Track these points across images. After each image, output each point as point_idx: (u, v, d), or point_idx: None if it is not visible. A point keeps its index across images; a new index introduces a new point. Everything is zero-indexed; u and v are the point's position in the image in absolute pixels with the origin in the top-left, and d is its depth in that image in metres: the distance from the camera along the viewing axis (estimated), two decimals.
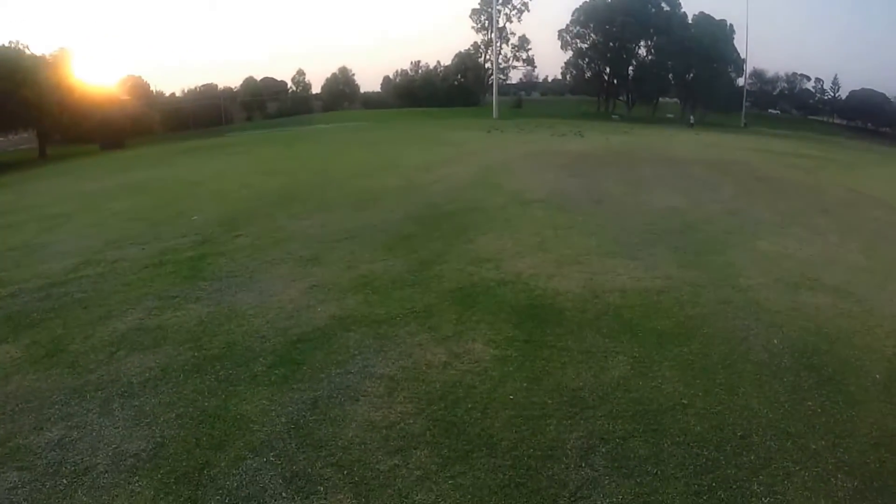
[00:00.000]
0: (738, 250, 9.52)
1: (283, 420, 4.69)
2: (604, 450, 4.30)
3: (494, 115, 53.54)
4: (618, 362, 5.64)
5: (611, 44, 67.42)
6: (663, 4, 67.95)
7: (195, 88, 73.07)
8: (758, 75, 77.74)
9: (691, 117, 57.28)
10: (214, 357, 5.83)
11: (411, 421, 4.64)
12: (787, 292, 7.64)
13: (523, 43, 73.33)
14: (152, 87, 65.81)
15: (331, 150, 26.59)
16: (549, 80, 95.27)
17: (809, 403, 4.97)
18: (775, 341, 6.16)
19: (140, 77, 65.28)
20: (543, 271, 8.34)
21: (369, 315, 6.79)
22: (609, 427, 4.56)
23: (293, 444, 4.37)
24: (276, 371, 5.49)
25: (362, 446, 4.34)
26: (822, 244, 10.18)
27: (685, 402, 4.96)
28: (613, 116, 62.07)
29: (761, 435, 4.49)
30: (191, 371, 5.55)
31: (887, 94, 78.08)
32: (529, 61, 74.93)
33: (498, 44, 68.35)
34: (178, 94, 73.39)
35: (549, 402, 4.90)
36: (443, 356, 5.71)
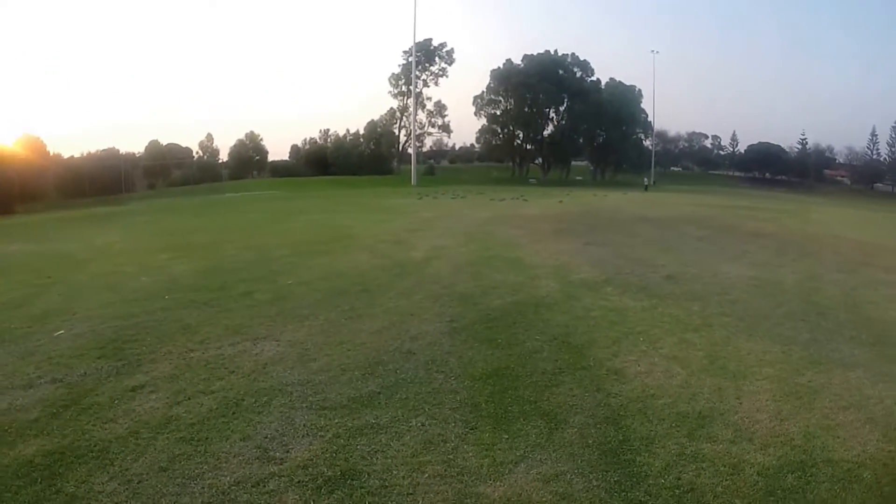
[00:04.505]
0: None
1: None
2: None
3: (413, 183, 50.84)
4: None
5: (525, 109, 66.36)
6: (576, 70, 68.16)
7: (95, 152, 64.73)
8: (661, 135, 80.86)
9: (645, 179, 56.91)
10: None
11: None
12: None
13: (440, 109, 70.70)
14: (49, 149, 57.08)
15: (256, 219, 20.64)
16: (457, 147, 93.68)
17: None
18: None
19: (38, 138, 56.44)
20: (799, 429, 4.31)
21: None
22: None
23: None
24: None
25: None
26: None
27: None
28: (531, 181, 60.17)
29: None
30: None
31: (782, 146, 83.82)
32: (445, 127, 72.15)
33: (416, 110, 65.63)
34: (77, 156, 64.74)
35: None
36: None
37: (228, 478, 3.65)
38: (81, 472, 3.70)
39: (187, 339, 6.26)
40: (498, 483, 3.62)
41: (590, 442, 4.11)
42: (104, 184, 50.02)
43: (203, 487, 3.56)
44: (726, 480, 3.67)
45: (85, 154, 65.47)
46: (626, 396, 4.85)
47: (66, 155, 62.98)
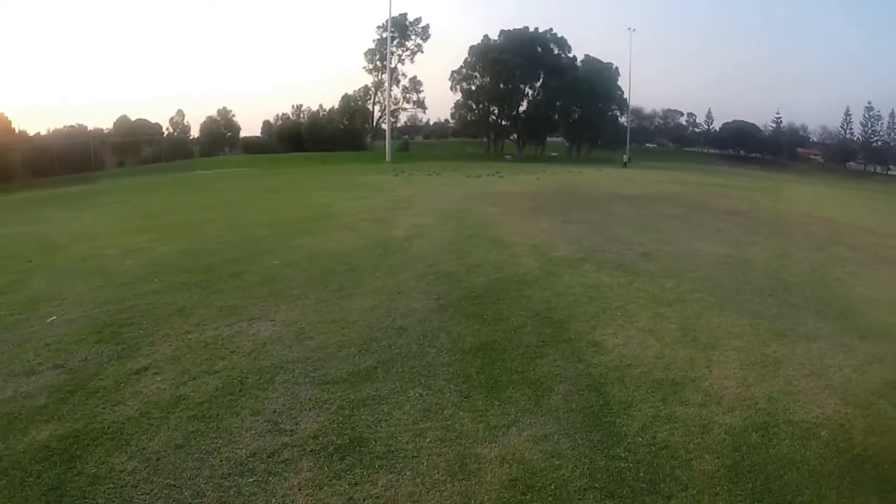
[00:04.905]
0: None
1: None
2: None
3: (388, 159, 50.52)
4: None
5: (501, 85, 66.20)
6: (552, 46, 68.05)
7: (63, 128, 62.57)
8: (636, 112, 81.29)
9: (624, 156, 57.06)
10: None
11: None
12: None
13: (415, 84, 70.01)
14: (15, 126, 55.14)
15: (233, 198, 20.46)
16: (432, 123, 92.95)
17: None
18: None
19: (1, 114, 54.44)
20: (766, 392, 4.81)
21: None
22: None
23: None
24: None
25: None
26: None
27: None
28: (506, 157, 60.21)
29: None
30: None
31: (757, 124, 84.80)
32: (419, 103, 71.50)
33: (390, 85, 65.08)
34: (44, 133, 62.55)
35: None
36: None
37: (244, 450, 3.93)
38: (100, 453, 3.90)
39: (183, 321, 6.42)
40: (493, 445, 3.99)
41: (574, 407, 4.49)
42: (73, 162, 48.43)
43: (221, 460, 3.84)
44: (697, 438, 4.08)
45: (52, 131, 63.50)
46: (605, 366, 5.24)
47: (31, 132, 60.90)
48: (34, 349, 5.66)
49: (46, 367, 5.25)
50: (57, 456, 3.88)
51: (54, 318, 6.59)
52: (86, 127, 64.00)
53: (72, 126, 63.69)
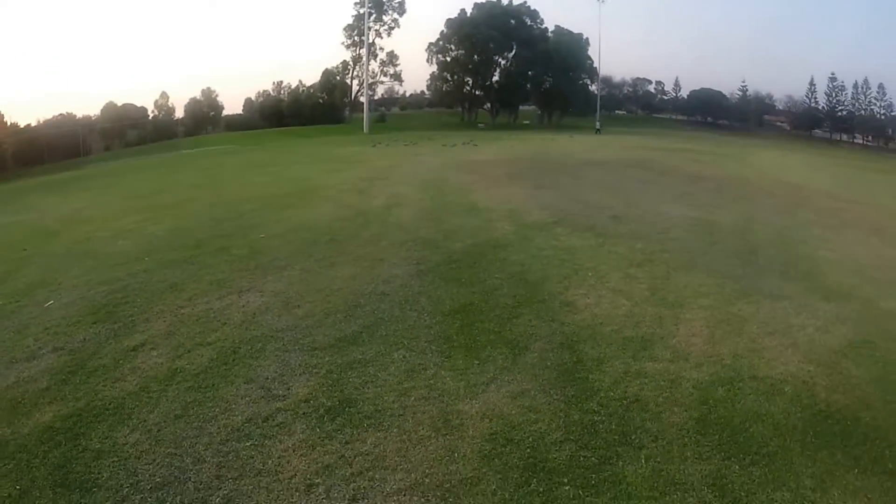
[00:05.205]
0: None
1: None
2: None
3: (365, 131, 50.12)
4: None
5: (475, 56, 65.95)
6: (525, 18, 67.68)
7: (52, 118, 61.06)
8: (606, 81, 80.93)
9: (598, 123, 56.93)
10: None
11: None
12: None
13: (392, 58, 69.45)
14: (7, 119, 53.52)
15: (215, 176, 20.05)
16: (408, 94, 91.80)
17: None
18: None
19: None
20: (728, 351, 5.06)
21: None
22: None
23: None
24: None
25: None
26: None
27: None
28: (480, 125, 60.01)
29: None
30: None
31: (724, 92, 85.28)
32: (396, 76, 71.02)
33: (368, 59, 64.34)
34: (33, 124, 60.88)
35: None
36: None
37: (240, 417, 4.09)
38: (102, 429, 4.02)
39: (175, 296, 6.49)
40: (474, 401, 4.19)
41: (548, 364, 4.71)
42: (62, 150, 48.33)
43: (219, 427, 3.99)
44: (665, 392, 4.32)
45: (42, 121, 61.94)
46: (577, 325, 5.47)
47: (22, 123, 59.14)
48: (34, 334, 5.68)
49: (47, 350, 5.30)
50: (61, 435, 3.97)
51: (52, 302, 6.59)
52: (74, 115, 62.47)
53: (61, 114, 61.97)
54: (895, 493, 3.33)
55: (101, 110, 65.62)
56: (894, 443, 3.77)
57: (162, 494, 3.39)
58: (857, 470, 3.54)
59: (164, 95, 71.05)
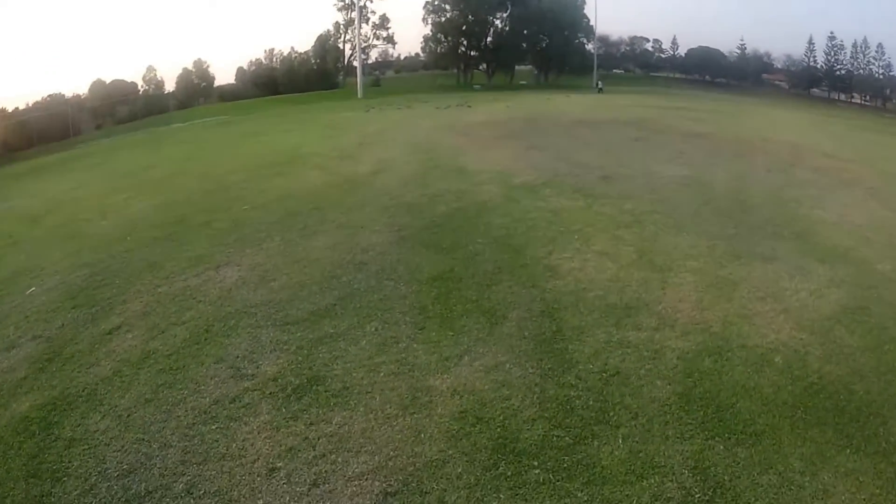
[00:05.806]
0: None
1: None
2: None
3: (359, 95, 48.91)
4: None
5: (469, 16, 64.34)
6: None
7: (41, 100, 59.97)
8: (603, 39, 79.01)
9: (599, 83, 55.59)
10: None
11: None
12: None
13: (384, 21, 67.79)
14: None
15: (207, 147, 19.52)
16: (402, 58, 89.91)
17: None
18: None
19: None
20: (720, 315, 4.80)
21: None
22: None
23: None
24: None
25: None
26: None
27: None
28: (476, 87, 58.69)
29: None
30: None
31: (722, 50, 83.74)
32: (389, 39, 69.43)
33: (360, 23, 62.76)
34: (22, 107, 59.86)
35: None
36: None
37: (207, 399, 3.87)
38: (75, 417, 3.85)
39: (153, 275, 6.23)
40: (445, 376, 3.94)
41: (526, 334, 4.43)
42: (52, 132, 46.83)
43: (186, 410, 3.79)
44: (648, 364, 4.04)
45: (30, 104, 60.76)
46: (559, 291, 5.18)
47: (10, 108, 58.11)
48: (14, 323, 5.47)
49: (26, 339, 5.11)
50: (35, 425, 3.83)
51: (34, 289, 6.35)
52: (63, 95, 61.03)
53: (49, 95, 60.65)
54: (888, 476, 3.07)
55: (89, 88, 64.27)
56: (888, 419, 3.51)
57: (127, 482, 3.25)
58: (848, 450, 3.29)
59: (150, 69, 69.29)
